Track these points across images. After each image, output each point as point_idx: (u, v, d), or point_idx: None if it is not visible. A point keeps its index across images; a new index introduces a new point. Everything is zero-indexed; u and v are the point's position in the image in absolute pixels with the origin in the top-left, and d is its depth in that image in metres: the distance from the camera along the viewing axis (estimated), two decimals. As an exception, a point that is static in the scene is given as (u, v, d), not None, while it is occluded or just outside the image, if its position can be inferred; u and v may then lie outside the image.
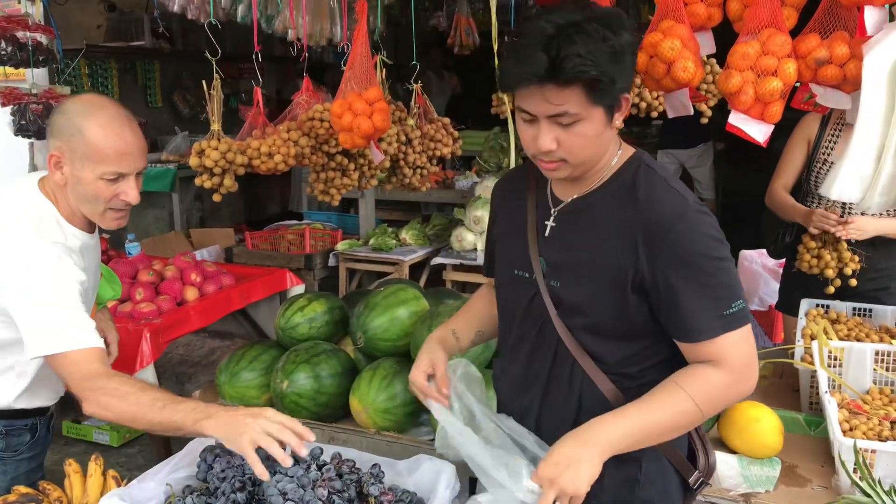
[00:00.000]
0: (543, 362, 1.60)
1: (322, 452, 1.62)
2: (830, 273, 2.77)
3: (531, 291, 1.57)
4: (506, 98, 3.11)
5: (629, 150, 1.54)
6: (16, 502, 1.74)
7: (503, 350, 1.73)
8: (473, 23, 5.69)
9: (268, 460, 1.48)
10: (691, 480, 1.62)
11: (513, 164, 2.78)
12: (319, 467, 1.57)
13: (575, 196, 1.54)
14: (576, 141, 1.40)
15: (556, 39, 1.32)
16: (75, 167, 1.75)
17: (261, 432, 1.46)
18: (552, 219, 1.56)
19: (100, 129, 1.72)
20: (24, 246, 1.72)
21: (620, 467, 1.50)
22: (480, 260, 4.17)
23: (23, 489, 1.78)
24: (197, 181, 2.47)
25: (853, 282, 2.78)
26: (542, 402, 1.62)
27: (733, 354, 1.43)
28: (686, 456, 1.64)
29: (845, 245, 2.76)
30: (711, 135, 7.41)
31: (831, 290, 2.78)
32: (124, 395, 1.60)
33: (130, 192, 1.79)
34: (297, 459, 1.51)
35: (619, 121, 1.45)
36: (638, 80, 2.66)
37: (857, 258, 2.76)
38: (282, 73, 8.41)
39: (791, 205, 2.89)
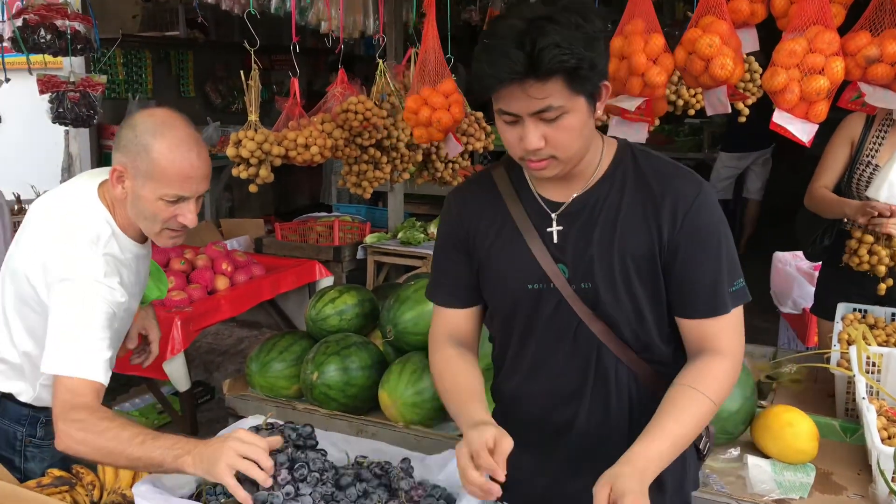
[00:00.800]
0: (582, 371, 1.54)
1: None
2: (882, 270, 2.67)
3: (553, 301, 1.51)
4: None
5: (612, 140, 1.55)
6: (50, 485, 1.76)
7: (516, 370, 1.63)
8: (507, 17, 5.65)
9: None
10: (700, 445, 1.63)
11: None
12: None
13: (575, 195, 1.50)
14: (563, 135, 1.37)
15: (529, 34, 1.29)
16: (137, 184, 1.72)
17: (235, 456, 1.40)
18: (555, 223, 1.51)
19: (167, 150, 1.68)
20: (75, 255, 1.71)
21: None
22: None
23: (57, 472, 1.80)
24: (234, 171, 2.48)
25: (883, 286, 2.70)
26: (589, 411, 1.56)
27: (731, 339, 1.48)
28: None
29: None
30: (775, 138, 7.26)
31: (883, 288, 2.68)
32: (103, 430, 1.54)
33: (189, 216, 1.76)
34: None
35: (600, 110, 1.41)
36: (675, 77, 2.62)
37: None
38: (313, 65, 8.43)
39: (837, 200, 2.77)
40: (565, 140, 1.38)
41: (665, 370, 1.54)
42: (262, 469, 1.40)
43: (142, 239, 1.88)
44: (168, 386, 3.66)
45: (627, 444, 1.40)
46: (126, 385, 4.30)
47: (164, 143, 1.69)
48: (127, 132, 1.73)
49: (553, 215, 1.51)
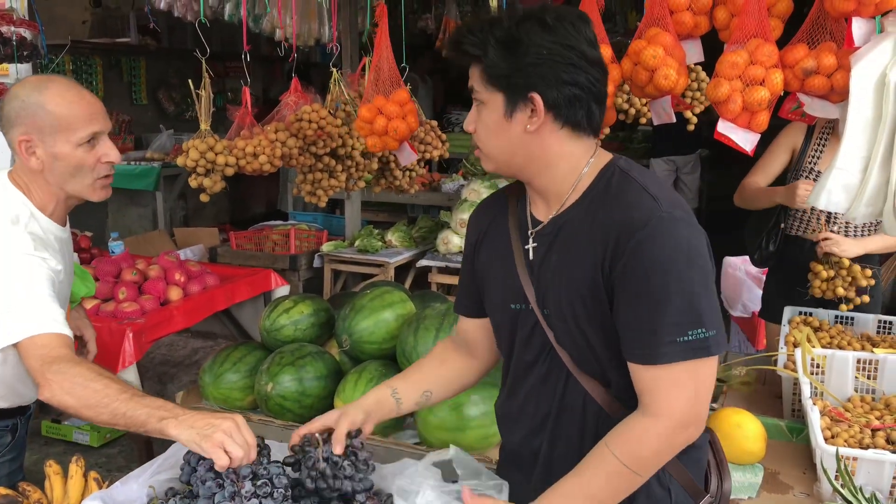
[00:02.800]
0: (552, 395, 1.49)
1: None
2: (842, 292, 2.75)
3: (530, 322, 1.48)
4: None
5: (604, 159, 1.45)
6: (-5, 504, 1.72)
7: (504, 389, 1.62)
8: (462, 26, 5.69)
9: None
10: None
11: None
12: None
13: (552, 216, 1.46)
14: (482, 128, 1.42)
15: (468, 22, 1.43)
16: (49, 145, 1.74)
17: (230, 438, 1.41)
18: (531, 240, 1.48)
19: (59, 97, 1.73)
20: (0, 234, 1.71)
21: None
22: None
23: (3, 490, 1.76)
24: (191, 181, 2.46)
25: (866, 298, 2.77)
26: (550, 441, 1.51)
27: (670, 394, 1.31)
28: (702, 478, 1.53)
29: (856, 265, 2.74)
30: (701, 143, 7.49)
31: (844, 308, 2.73)
32: (89, 381, 1.54)
33: (111, 152, 1.79)
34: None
35: (531, 125, 1.37)
36: (626, 87, 2.68)
37: (868, 273, 2.75)
38: (269, 73, 8.38)
39: (764, 190, 2.89)
40: (483, 133, 1.42)
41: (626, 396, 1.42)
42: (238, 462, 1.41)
43: (61, 221, 1.87)
44: (120, 399, 3.59)
45: None
46: (76, 399, 4.20)
47: (52, 93, 1.73)
48: (12, 104, 1.75)
49: (531, 232, 1.48)
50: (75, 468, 1.82)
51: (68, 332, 1.66)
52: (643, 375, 1.34)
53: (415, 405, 1.65)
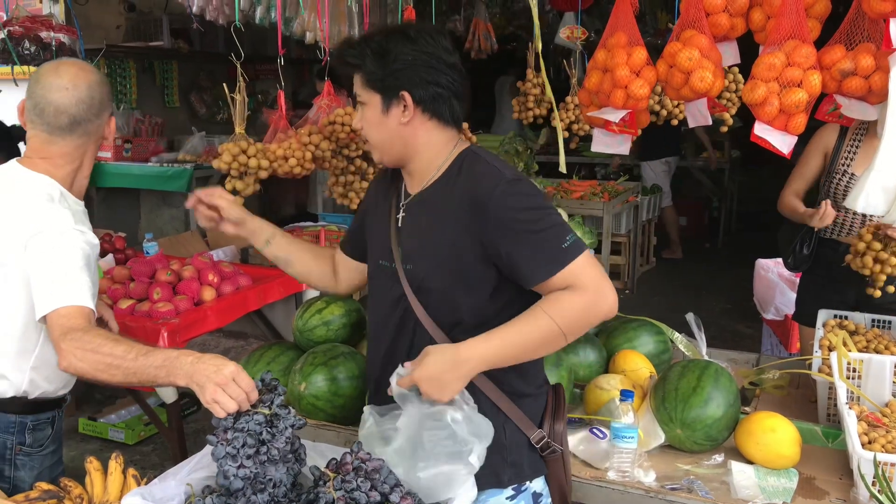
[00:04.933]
0: (404, 343, 1.78)
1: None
2: (882, 278, 2.72)
3: (392, 278, 1.78)
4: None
5: (462, 147, 1.78)
6: (38, 499, 1.76)
7: (369, 337, 1.94)
8: (491, 27, 5.70)
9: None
10: (534, 438, 1.77)
11: (562, 167, 2.77)
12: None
13: (419, 189, 1.78)
14: (367, 124, 1.74)
15: (346, 40, 1.81)
16: (111, 121, 1.99)
17: (218, 391, 1.48)
18: (402, 210, 1.80)
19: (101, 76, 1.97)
20: (39, 211, 1.82)
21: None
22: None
23: (45, 485, 1.80)
24: (228, 185, 2.50)
25: (890, 288, 2.75)
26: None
27: (583, 277, 1.61)
28: (540, 416, 1.82)
29: None
30: (679, 150, 7.61)
31: (877, 293, 2.74)
32: (98, 346, 1.64)
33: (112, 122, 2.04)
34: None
35: (405, 117, 1.69)
36: (658, 88, 2.66)
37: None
38: (298, 75, 8.44)
39: (797, 211, 2.90)
40: (367, 128, 1.75)
41: None
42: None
43: (81, 197, 2.01)
44: (154, 397, 3.65)
45: None
46: (112, 397, 4.28)
47: (97, 75, 1.98)
48: (103, 89, 1.95)
49: (402, 204, 1.82)
50: (115, 465, 1.85)
51: (90, 304, 1.76)
52: (555, 285, 1.62)
53: (272, 256, 2.04)
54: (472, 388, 1.71)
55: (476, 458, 1.58)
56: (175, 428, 3.25)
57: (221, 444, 1.51)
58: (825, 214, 2.72)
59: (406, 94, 1.69)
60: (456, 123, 1.78)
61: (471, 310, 1.72)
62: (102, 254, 3.68)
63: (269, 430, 1.53)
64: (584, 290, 1.61)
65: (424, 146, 1.76)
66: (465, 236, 1.67)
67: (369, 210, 1.96)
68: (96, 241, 1.88)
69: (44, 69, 1.93)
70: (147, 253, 3.77)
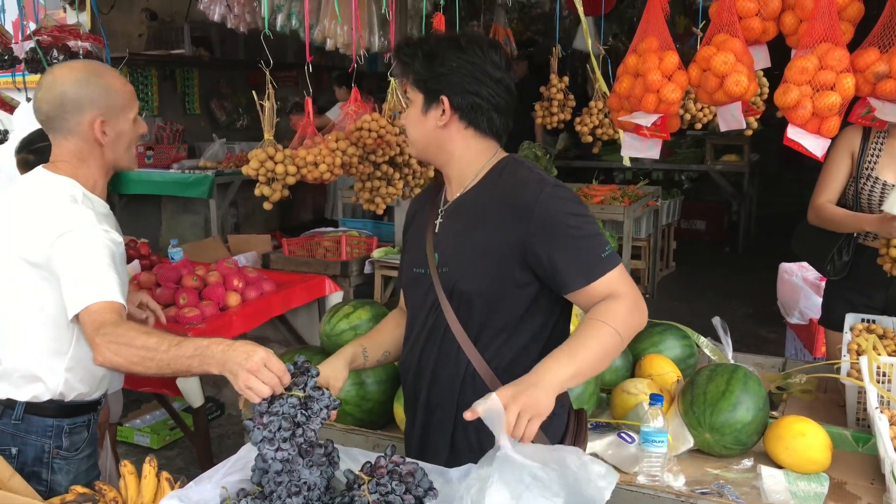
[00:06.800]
0: (434, 347, 1.79)
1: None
2: None
3: (426, 284, 1.78)
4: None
5: (502, 155, 1.81)
6: (73, 502, 1.78)
7: (406, 343, 1.92)
8: (511, 33, 5.71)
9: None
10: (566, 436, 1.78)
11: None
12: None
13: (457, 195, 1.81)
14: (408, 120, 1.79)
15: (406, 42, 1.80)
16: (118, 123, 1.94)
17: (251, 377, 1.49)
18: (440, 217, 1.83)
19: (117, 80, 1.95)
20: (64, 211, 1.84)
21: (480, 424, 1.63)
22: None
23: (80, 489, 1.82)
24: (256, 191, 2.52)
25: None
26: (430, 383, 1.81)
27: (620, 286, 1.65)
28: (561, 437, 1.80)
29: None
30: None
31: None
32: (131, 339, 1.66)
33: (143, 125, 2.02)
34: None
35: (441, 121, 1.73)
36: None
37: None
38: (316, 82, 8.49)
39: (852, 216, 2.77)
40: (409, 125, 1.79)
41: (501, 365, 1.72)
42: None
43: (104, 197, 2.02)
44: (179, 402, 3.67)
45: (451, 427, 1.73)
46: (137, 401, 4.31)
47: (112, 76, 1.95)
48: (83, 90, 1.90)
49: (441, 210, 1.84)
50: (149, 468, 1.87)
51: (120, 299, 1.78)
52: (595, 293, 1.65)
53: (376, 363, 1.97)
54: None
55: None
56: (201, 432, 3.27)
57: (258, 428, 1.53)
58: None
59: (445, 99, 1.73)
60: (495, 136, 1.80)
61: (499, 313, 1.73)
62: (128, 260, 3.71)
63: (303, 412, 1.54)
64: (624, 296, 1.64)
65: (462, 152, 1.79)
66: (502, 239, 1.69)
67: (409, 229, 1.98)
68: (121, 239, 1.91)
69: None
70: (172, 259, 3.81)
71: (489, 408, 1.48)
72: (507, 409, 1.47)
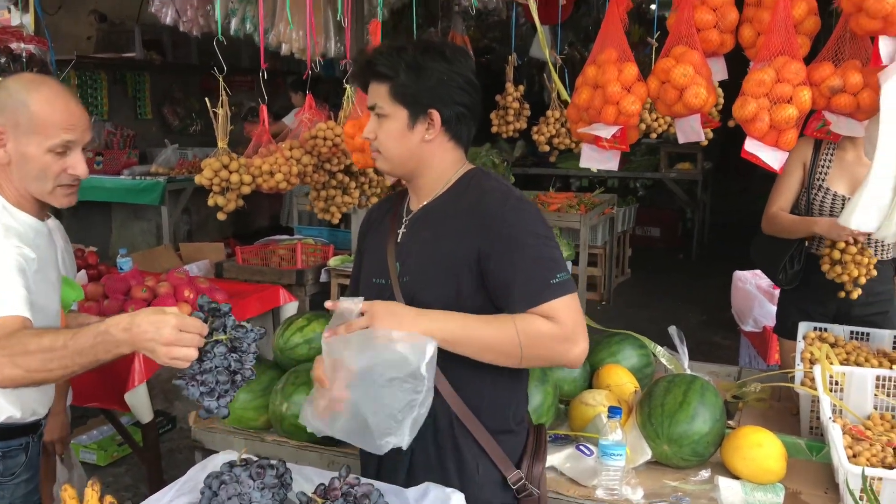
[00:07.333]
0: None
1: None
2: (858, 279, 2.76)
3: (387, 295, 1.72)
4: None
5: (469, 167, 1.79)
6: (10, 528, 1.70)
7: None
8: (468, 40, 5.69)
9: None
10: (511, 479, 1.73)
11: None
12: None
13: (423, 204, 1.77)
14: (383, 134, 1.70)
15: (378, 47, 1.72)
16: (21, 143, 1.75)
17: (171, 349, 1.41)
18: (403, 226, 1.79)
19: (45, 101, 1.74)
20: None
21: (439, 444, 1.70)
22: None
23: (17, 514, 1.74)
24: (210, 201, 2.44)
25: (859, 291, 2.79)
26: None
27: (563, 316, 1.60)
28: (520, 454, 1.78)
29: (868, 250, 2.75)
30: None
31: (855, 294, 2.77)
32: (25, 346, 1.51)
33: (79, 166, 1.78)
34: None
35: (429, 134, 1.69)
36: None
37: (874, 261, 2.76)
38: (272, 87, 8.39)
39: (802, 220, 2.85)
40: (385, 140, 1.70)
41: (464, 376, 1.68)
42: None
43: (37, 214, 1.86)
44: (128, 416, 3.56)
45: (421, 440, 1.61)
46: (83, 417, 4.17)
47: (40, 95, 1.74)
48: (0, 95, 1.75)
49: (405, 220, 1.80)
50: (91, 492, 1.79)
51: (22, 312, 1.62)
52: (537, 314, 1.59)
53: None
54: (449, 420, 1.69)
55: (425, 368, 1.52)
56: (151, 448, 3.17)
57: (192, 385, 1.48)
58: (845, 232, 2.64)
59: (435, 113, 1.68)
60: (466, 146, 1.78)
61: None
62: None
63: (235, 357, 1.50)
64: (561, 325, 1.59)
65: (439, 163, 1.75)
66: (465, 250, 1.65)
67: (366, 238, 1.92)
68: (34, 255, 1.74)
69: None
70: (121, 269, 3.70)
71: (349, 308, 1.56)
72: (367, 313, 1.54)
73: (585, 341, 1.63)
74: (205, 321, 1.48)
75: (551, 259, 1.64)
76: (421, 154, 1.72)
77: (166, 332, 1.41)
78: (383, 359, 1.53)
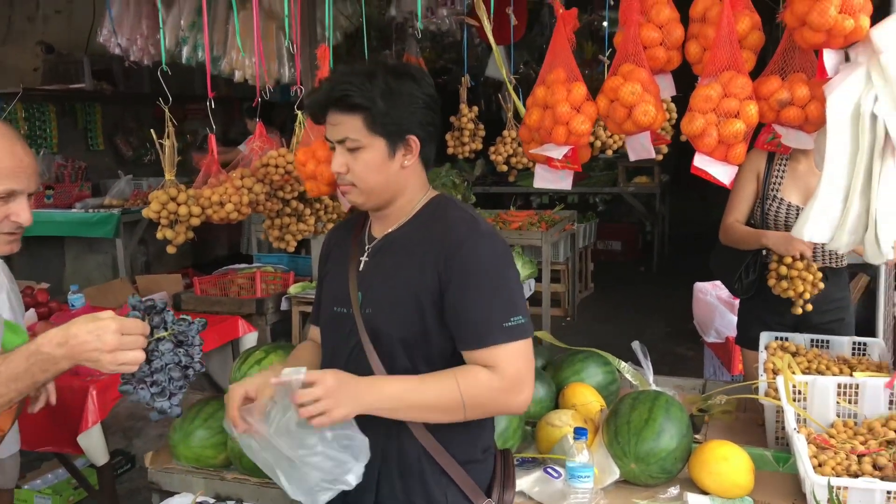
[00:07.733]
0: None
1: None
2: (807, 296, 2.80)
3: (349, 325, 1.68)
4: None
5: (434, 193, 1.74)
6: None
7: None
8: (423, 62, 5.70)
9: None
10: None
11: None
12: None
13: (387, 232, 1.72)
14: (360, 167, 1.62)
15: (343, 76, 1.60)
16: None
17: (116, 356, 1.35)
18: (366, 254, 1.72)
19: None
20: None
21: (405, 475, 1.65)
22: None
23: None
24: (159, 234, 2.36)
25: (809, 307, 2.82)
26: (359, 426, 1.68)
27: (507, 364, 1.55)
28: (489, 482, 1.74)
29: (814, 265, 2.80)
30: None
31: (799, 310, 2.81)
32: None
33: (23, 214, 1.67)
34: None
35: (407, 161, 1.64)
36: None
37: (819, 276, 2.81)
38: (227, 114, 8.31)
39: (754, 232, 2.89)
40: (361, 172, 1.62)
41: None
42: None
43: None
44: (83, 458, 3.44)
45: (379, 469, 1.62)
46: (37, 460, 4.03)
47: None
48: None
49: (367, 247, 1.74)
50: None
51: None
52: (479, 359, 1.57)
53: None
54: (418, 455, 1.65)
55: (354, 478, 1.51)
56: (106, 491, 3.07)
57: (142, 388, 1.44)
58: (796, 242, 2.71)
59: (413, 139, 1.63)
60: (430, 167, 1.75)
61: (424, 357, 1.65)
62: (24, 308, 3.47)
63: (183, 352, 1.46)
64: (502, 376, 1.56)
65: (411, 189, 1.70)
66: (428, 280, 1.60)
67: (328, 263, 1.86)
68: None
69: None
70: (72, 306, 3.59)
71: (297, 379, 1.47)
72: (316, 385, 1.46)
73: (530, 389, 1.60)
74: (142, 320, 1.43)
75: (508, 301, 1.59)
76: (398, 182, 1.67)
77: (109, 339, 1.34)
78: (314, 461, 1.49)
